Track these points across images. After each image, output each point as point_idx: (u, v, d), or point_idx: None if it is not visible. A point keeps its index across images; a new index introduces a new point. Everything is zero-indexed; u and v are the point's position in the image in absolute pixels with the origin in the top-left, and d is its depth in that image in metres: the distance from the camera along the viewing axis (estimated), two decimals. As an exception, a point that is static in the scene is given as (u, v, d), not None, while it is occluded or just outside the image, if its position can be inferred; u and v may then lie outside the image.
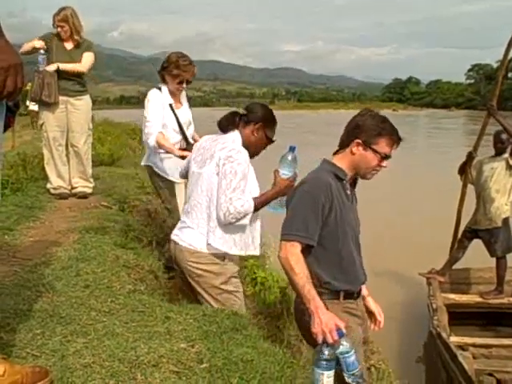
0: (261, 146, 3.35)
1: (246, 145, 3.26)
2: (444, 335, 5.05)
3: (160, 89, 4.48)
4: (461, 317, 6.04)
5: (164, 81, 4.48)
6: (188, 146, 4.33)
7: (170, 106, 4.46)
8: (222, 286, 3.25)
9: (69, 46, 6.05)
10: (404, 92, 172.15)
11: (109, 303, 2.99)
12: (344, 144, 2.76)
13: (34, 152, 10.47)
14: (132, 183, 7.80)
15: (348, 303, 2.73)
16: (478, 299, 6.24)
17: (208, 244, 3.19)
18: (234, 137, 3.29)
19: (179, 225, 3.43)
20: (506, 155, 6.11)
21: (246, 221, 3.14)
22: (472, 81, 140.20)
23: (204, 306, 3.07)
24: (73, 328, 2.63)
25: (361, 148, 2.69)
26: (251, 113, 3.35)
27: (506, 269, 6.26)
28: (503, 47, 5.71)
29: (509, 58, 5.95)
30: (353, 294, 2.78)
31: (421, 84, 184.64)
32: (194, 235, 3.25)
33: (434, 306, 5.80)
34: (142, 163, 4.83)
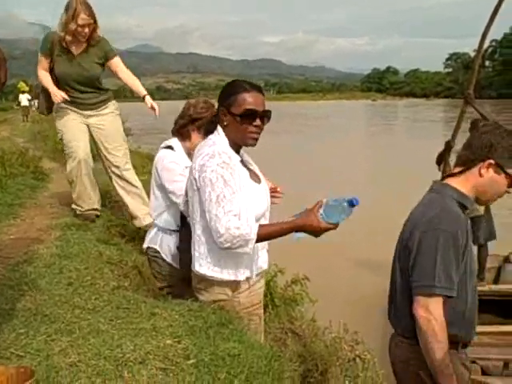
0: (239, 129, 2.59)
1: (230, 140, 2.63)
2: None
3: (172, 148, 3.42)
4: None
5: (184, 137, 3.42)
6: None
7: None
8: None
9: (76, 49, 4.68)
10: (383, 82, 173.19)
11: (93, 300, 2.96)
12: (468, 163, 2.41)
13: (11, 148, 10.37)
14: (113, 178, 7.73)
15: (463, 353, 2.47)
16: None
17: (214, 271, 2.70)
18: (215, 137, 2.65)
19: None
20: (484, 143, 6.15)
21: (247, 250, 2.48)
22: (450, 70, 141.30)
23: (189, 301, 3.04)
24: (57, 326, 2.60)
25: (492, 170, 2.34)
26: (219, 102, 2.71)
27: (487, 256, 6.33)
28: (479, 36, 5.73)
29: (484, 47, 5.97)
30: (468, 344, 2.50)
31: (399, 73, 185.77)
32: (195, 262, 2.77)
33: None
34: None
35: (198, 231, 2.66)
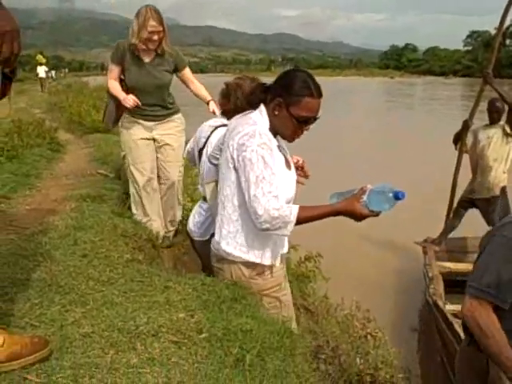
0: (289, 126, 2.55)
1: (272, 126, 2.57)
2: (440, 303, 5.07)
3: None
4: (456, 285, 6.07)
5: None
6: None
7: None
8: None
9: (147, 57, 4.48)
10: (401, 59, 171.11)
11: (107, 272, 2.97)
12: None
13: (28, 119, 10.41)
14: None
15: None
16: (474, 268, 6.27)
17: (237, 251, 2.67)
18: (256, 117, 2.56)
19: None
20: (502, 123, 6.08)
21: (286, 232, 2.45)
22: (470, 48, 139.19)
23: (203, 276, 3.05)
24: (71, 297, 2.62)
25: None
26: (273, 84, 2.61)
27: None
28: (501, 14, 5.62)
29: (506, 24, 5.86)
30: None
31: (418, 51, 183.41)
32: (220, 239, 2.71)
33: (430, 274, 5.82)
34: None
35: (228, 209, 2.59)
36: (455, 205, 6.66)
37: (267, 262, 2.67)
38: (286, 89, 2.50)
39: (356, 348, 4.56)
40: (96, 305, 2.56)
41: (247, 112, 2.64)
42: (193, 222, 3.32)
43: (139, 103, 4.31)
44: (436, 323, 4.99)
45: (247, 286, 2.73)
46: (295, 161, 2.98)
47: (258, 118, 2.54)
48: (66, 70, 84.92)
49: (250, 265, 2.67)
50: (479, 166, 6.27)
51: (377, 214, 2.41)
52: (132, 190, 4.67)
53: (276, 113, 2.53)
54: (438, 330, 4.95)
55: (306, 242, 5.29)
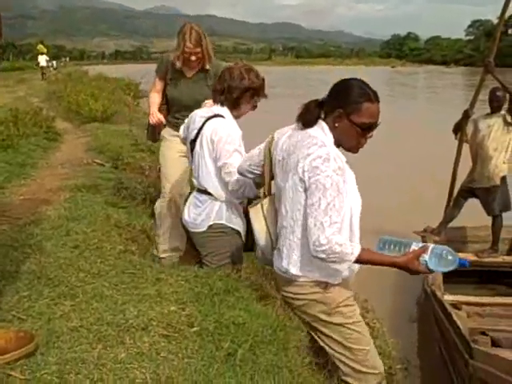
0: (352, 136, 2.46)
1: (335, 140, 2.46)
2: (438, 294, 5.02)
3: (223, 117, 3.25)
4: (455, 275, 6.03)
5: (235, 107, 3.26)
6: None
7: None
8: (326, 318, 2.57)
9: (189, 72, 4.34)
10: (403, 48, 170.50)
11: (98, 264, 2.93)
12: None
13: (26, 108, 10.34)
14: (126, 140, 7.71)
15: None
16: (473, 258, 6.22)
17: (306, 271, 2.51)
18: (321, 135, 2.44)
19: (277, 242, 2.71)
20: (503, 112, 6.00)
21: (342, 268, 2.40)
22: (472, 37, 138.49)
23: (196, 267, 3.00)
24: (60, 290, 2.57)
25: None
26: (328, 97, 2.50)
27: (502, 227, 6.23)
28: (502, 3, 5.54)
29: (508, 14, 5.78)
30: None
31: (420, 40, 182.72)
32: (287, 261, 2.55)
33: (429, 264, 5.76)
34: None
35: (298, 234, 2.48)
36: (455, 194, 6.61)
37: (339, 280, 2.55)
38: (343, 98, 2.43)
39: (354, 339, 4.52)
40: (85, 297, 2.51)
41: (305, 132, 2.49)
42: (188, 214, 3.25)
43: (163, 121, 4.25)
44: (434, 313, 4.94)
45: (324, 301, 2.55)
46: None
47: (323, 137, 2.43)
48: (67, 59, 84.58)
49: (320, 283, 2.53)
50: (479, 156, 6.20)
51: (430, 272, 2.39)
52: (156, 204, 4.34)
53: (336, 125, 2.44)
54: (436, 320, 4.91)
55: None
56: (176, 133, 4.17)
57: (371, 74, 76.02)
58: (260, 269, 4.84)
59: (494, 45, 5.96)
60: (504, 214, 6.18)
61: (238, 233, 3.17)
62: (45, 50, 33.37)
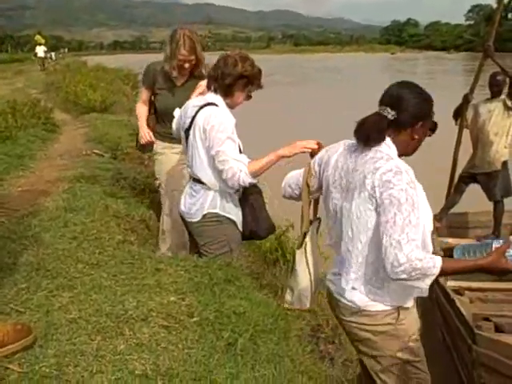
0: (416, 143, 2.40)
1: (401, 153, 2.37)
2: (441, 280, 5.00)
3: (216, 105, 3.16)
4: (458, 261, 6.02)
5: (228, 95, 3.18)
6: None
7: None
8: (399, 355, 2.40)
9: (180, 80, 4.17)
10: (402, 34, 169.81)
11: (97, 255, 2.90)
12: None
13: (24, 99, 10.28)
14: (124, 130, 7.67)
15: None
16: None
17: (376, 300, 2.35)
18: (385, 149, 2.32)
19: (333, 268, 2.57)
20: (503, 96, 5.96)
21: (423, 285, 2.16)
22: (472, 22, 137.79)
23: (195, 257, 2.97)
24: (59, 282, 2.55)
25: None
26: (401, 112, 2.35)
27: (503, 212, 6.20)
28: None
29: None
30: None
31: (419, 26, 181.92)
32: (349, 289, 2.41)
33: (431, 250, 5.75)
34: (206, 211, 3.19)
35: (368, 256, 2.32)
36: (456, 180, 6.57)
37: (409, 303, 2.40)
38: (426, 111, 2.38)
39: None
40: (84, 289, 2.49)
41: (366, 148, 2.35)
42: (184, 204, 3.21)
43: (153, 141, 4.10)
44: (437, 300, 4.93)
45: (396, 334, 2.39)
46: None
47: (388, 150, 2.30)
48: (66, 50, 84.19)
49: (392, 311, 2.37)
50: (480, 141, 6.16)
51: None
52: (162, 220, 4.15)
53: (416, 137, 2.35)
54: (438, 306, 4.89)
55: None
56: (171, 145, 4.09)
57: (371, 61, 75.82)
58: (261, 257, 4.82)
59: (493, 29, 5.91)
60: (505, 200, 6.16)
61: (234, 222, 3.12)
62: (42, 41, 33.35)
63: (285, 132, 15.65)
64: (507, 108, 5.91)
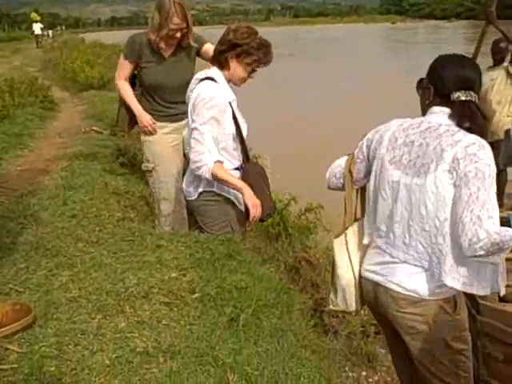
0: None
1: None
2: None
3: (214, 80, 3.04)
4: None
5: (224, 66, 3.06)
6: (248, 164, 3.17)
7: (231, 105, 3.06)
8: (453, 344, 2.31)
9: (168, 51, 3.87)
10: (402, 3, 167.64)
11: (97, 233, 2.87)
12: None
13: (22, 77, 10.20)
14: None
15: None
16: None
17: (440, 287, 2.23)
18: (450, 123, 2.23)
19: (377, 257, 2.41)
20: (506, 64, 5.87)
21: (498, 259, 2.12)
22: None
23: (196, 232, 2.93)
24: (58, 260, 2.52)
25: None
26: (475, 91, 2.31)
27: (507, 182, 6.15)
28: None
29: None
30: None
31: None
32: (415, 277, 2.28)
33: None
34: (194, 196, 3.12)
35: (447, 236, 2.18)
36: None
37: (486, 292, 2.25)
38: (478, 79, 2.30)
39: (360, 299, 4.50)
40: (84, 267, 2.46)
41: (427, 121, 2.30)
42: (185, 182, 3.17)
43: (155, 126, 3.80)
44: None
45: (454, 324, 2.30)
46: None
47: (454, 126, 2.22)
48: (63, 28, 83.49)
49: (450, 299, 2.28)
50: (482, 110, 6.09)
51: None
52: (163, 208, 3.88)
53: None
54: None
55: (307, 193, 5.17)
56: (161, 123, 3.85)
57: (371, 31, 75.05)
58: (263, 232, 4.80)
59: (496, -6, 5.81)
60: (509, 169, 6.11)
61: (233, 202, 3.03)
62: (38, 18, 33.62)
63: (284, 104, 15.58)
64: (510, 76, 5.83)
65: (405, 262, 2.29)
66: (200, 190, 3.00)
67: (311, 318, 2.66)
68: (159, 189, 3.83)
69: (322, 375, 1.90)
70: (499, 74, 5.89)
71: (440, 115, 2.24)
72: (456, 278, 2.18)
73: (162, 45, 3.75)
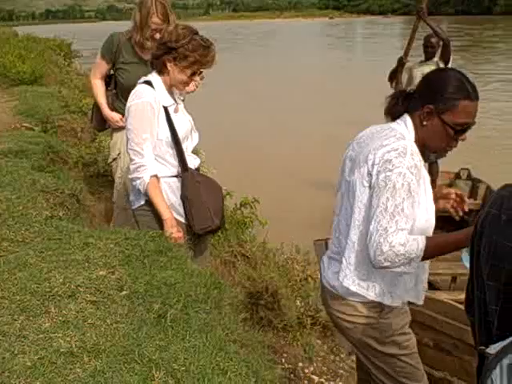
0: (442, 138, 2.18)
1: (418, 139, 2.20)
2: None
3: (151, 84, 2.97)
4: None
5: (162, 71, 2.97)
6: (185, 173, 3.02)
7: (166, 110, 2.96)
8: (377, 347, 2.31)
9: (146, 54, 3.66)
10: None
11: (23, 232, 2.78)
12: None
13: None
14: (56, 102, 7.41)
15: None
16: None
17: (351, 287, 2.25)
18: (401, 128, 2.19)
19: (329, 248, 2.47)
20: (436, 59, 6.06)
21: (409, 269, 2.13)
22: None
23: (126, 229, 2.90)
24: (-20, 262, 2.44)
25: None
26: (418, 89, 2.26)
27: (438, 173, 6.34)
28: None
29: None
30: None
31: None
32: (338, 273, 2.29)
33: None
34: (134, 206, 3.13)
35: (353, 235, 2.20)
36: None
37: (396, 302, 2.27)
38: (436, 93, 2.13)
39: (297, 291, 4.56)
40: (8, 267, 2.38)
41: (386, 125, 2.27)
42: (131, 190, 3.13)
43: (123, 124, 3.65)
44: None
45: (378, 327, 2.28)
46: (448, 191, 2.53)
47: (405, 132, 2.17)
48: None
49: (375, 304, 2.26)
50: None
51: None
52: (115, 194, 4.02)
53: (425, 123, 2.16)
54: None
55: (242, 188, 5.20)
56: None
57: (310, 26, 75.70)
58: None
59: (427, -9, 6.00)
60: (440, 160, 6.30)
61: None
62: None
63: (216, 100, 15.54)
64: (440, 71, 6.02)
65: (333, 257, 2.36)
66: (142, 202, 3.00)
67: (241, 312, 2.67)
68: (120, 178, 3.86)
69: (249, 368, 1.91)
70: (430, 69, 6.06)
71: (400, 121, 2.23)
72: (350, 279, 2.23)
73: (149, 45, 3.61)
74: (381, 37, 43.73)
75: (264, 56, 26.60)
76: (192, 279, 2.44)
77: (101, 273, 2.39)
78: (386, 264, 2.02)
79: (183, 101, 3.24)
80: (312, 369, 3.90)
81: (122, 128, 3.71)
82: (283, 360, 3.82)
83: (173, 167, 3.00)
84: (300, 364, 3.90)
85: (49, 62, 12.94)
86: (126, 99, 3.61)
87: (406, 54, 6.24)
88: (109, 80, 3.89)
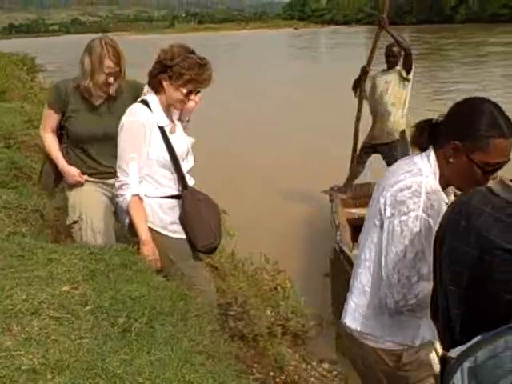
0: (470, 177, 1.90)
1: (443, 176, 1.97)
2: (346, 250, 5.14)
3: (147, 103, 2.94)
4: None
5: (158, 90, 2.93)
6: (185, 191, 2.98)
7: (162, 130, 2.93)
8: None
9: (98, 99, 3.53)
10: (305, 9, 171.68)
11: (-17, 250, 2.74)
12: None
13: None
14: (19, 117, 7.32)
15: None
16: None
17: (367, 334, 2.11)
18: (422, 163, 1.97)
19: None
20: (398, 67, 6.17)
21: (419, 315, 1.99)
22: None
23: (90, 244, 2.88)
24: None
25: None
26: (445, 121, 1.99)
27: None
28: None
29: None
30: None
31: (321, 0, 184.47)
32: (352, 312, 2.17)
33: (337, 222, 5.89)
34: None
35: (362, 278, 2.09)
36: (358, 151, 6.76)
37: (418, 342, 2.09)
38: (466, 129, 1.88)
39: (266, 300, 4.56)
40: (-33, 288, 2.34)
41: (410, 157, 2.08)
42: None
43: (83, 181, 3.56)
44: (343, 270, 5.06)
45: (389, 378, 2.11)
46: None
47: (424, 166, 1.95)
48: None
49: (394, 352, 2.09)
50: (378, 112, 6.35)
51: None
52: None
53: (451, 160, 1.92)
54: (345, 276, 5.02)
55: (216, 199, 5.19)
56: (89, 178, 3.60)
57: (275, 37, 76.27)
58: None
59: (387, 1, 6.16)
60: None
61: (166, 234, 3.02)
62: None
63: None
64: (402, 79, 6.13)
65: (350, 295, 2.22)
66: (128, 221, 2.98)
67: (207, 324, 2.66)
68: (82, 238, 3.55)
69: (215, 380, 1.91)
70: (393, 78, 6.18)
71: (424, 155, 2.03)
72: (358, 320, 2.12)
73: (98, 92, 3.47)
74: (345, 46, 44.25)
75: (231, 68, 26.68)
76: (158, 292, 2.43)
77: (64, 288, 2.36)
78: (405, 313, 1.95)
79: (188, 121, 3.20)
80: (283, 378, 3.90)
81: (78, 185, 3.59)
82: (254, 370, 3.81)
83: (163, 187, 2.96)
84: (271, 373, 3.89)
85: (11, 77, 12.79)
86: (79, 149, 3.55)
87: (369, 62, 6.35)
88: (60, 134, 3.66)
